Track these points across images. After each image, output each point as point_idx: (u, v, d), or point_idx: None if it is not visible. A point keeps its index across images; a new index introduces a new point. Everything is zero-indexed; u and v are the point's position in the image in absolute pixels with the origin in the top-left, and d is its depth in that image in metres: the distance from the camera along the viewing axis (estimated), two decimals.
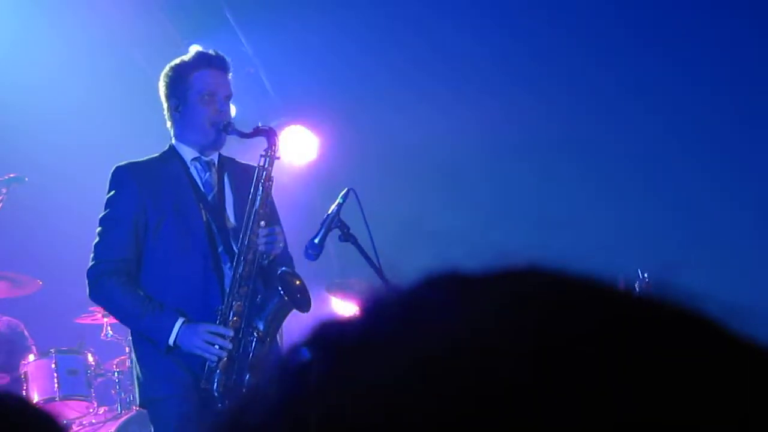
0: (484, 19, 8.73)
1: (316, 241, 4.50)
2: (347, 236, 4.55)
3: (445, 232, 9.57)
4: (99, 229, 4.41)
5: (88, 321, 7.31)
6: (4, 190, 7.23)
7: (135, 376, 4.42)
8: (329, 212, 4.56)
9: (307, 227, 5.16)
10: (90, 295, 4.42)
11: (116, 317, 4.64)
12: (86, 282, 4.38)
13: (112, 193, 4.45)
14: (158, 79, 4.66)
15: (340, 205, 4.58)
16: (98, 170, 5.85)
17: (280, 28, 8.77)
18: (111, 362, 7.67)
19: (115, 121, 8.32)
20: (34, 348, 7.60)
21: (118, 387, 7.52)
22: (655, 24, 8.58)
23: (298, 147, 8.84)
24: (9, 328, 7.72)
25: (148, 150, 4.91)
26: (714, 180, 8.72)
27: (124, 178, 4.46)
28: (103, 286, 4.35)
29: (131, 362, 7.33)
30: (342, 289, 8.49)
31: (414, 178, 9.43)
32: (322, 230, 4.52)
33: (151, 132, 5.08)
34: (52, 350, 7.27)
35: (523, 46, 8.87)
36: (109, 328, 7.27)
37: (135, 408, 7.27)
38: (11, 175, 7.25)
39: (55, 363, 7.22)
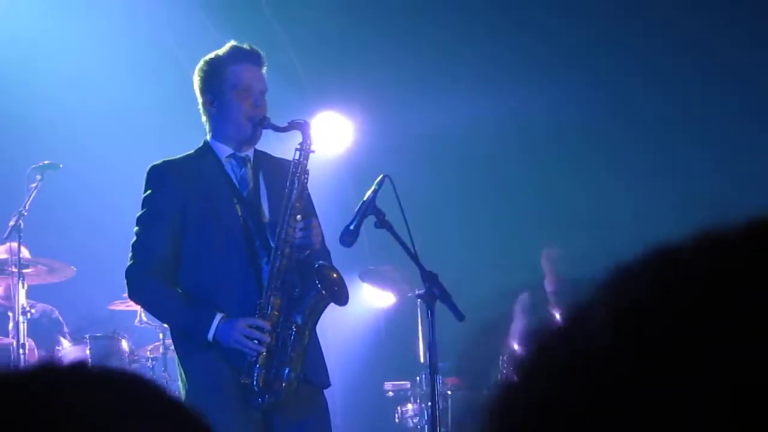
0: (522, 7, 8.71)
1: (352, 227, 4.48)
2: (383, 223, 4.53)
3: (478, 218, 9.55)
4: (136, 228, 4.42)
5: (122, 307, 7.34)
6: (38, 177, 7.25)
7: (178, 374, 4.44)
8: (365, 199, 4.54)
9: (341, 214, 5.16)
10: (129, 294, 4.45)
11: (155, 315, 4.67)
12: (125, 281, 4.40)
13: (148, 192, 4.45)
14: (192, 66, 4.65)
15: (375, 192, 4.56)
16: (133, 158, 5.87)
17: (315, 13, 8.77)
18: (145, 348, 7.70)
19: (151, 110, 8.35)
20: (68, 334, 7.64)
21: (152, 373, 7.55)
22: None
23: (332, 134, 8.83)
24: (44, 314, 7.76)
25: (183, 138, 4.91)
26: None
27: (160, 177, 4.46)
28: (142, 285, 4.37)
29: (164, 349, 7.41)
30: (375, 276, 8.49)
31: (450, 164, 9.41)
32: (358, 217, 4.50)
33: (187, 121, 5.08)
34: (86, 336, 7.31)
35: (561, 33, 8.84)
36: (142, 314, 7.29)
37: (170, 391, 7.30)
38: (46, 162, 7.27)
39: (89, 349, 7.26)
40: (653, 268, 0.76)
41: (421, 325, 8.16)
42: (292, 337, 4.26)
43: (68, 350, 7.30)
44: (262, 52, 4.60)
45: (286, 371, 4.23)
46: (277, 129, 4.45)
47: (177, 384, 4.48)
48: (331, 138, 8.77)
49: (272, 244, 4.31)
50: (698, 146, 9.02)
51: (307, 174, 4.44)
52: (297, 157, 4.43)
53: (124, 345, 7.47)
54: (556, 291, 9.04)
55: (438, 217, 9.00)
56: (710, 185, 8.87)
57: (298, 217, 4.35)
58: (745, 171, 8.76)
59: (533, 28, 8.83)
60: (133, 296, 4.46)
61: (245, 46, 4.59)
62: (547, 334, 0.77)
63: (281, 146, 4.97)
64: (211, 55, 4.59)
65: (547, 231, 9.25)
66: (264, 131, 4.51)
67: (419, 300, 4.56)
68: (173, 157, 4.55)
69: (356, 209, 4.54)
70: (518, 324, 9.11)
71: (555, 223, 9.34)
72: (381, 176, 4.61)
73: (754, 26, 8.46)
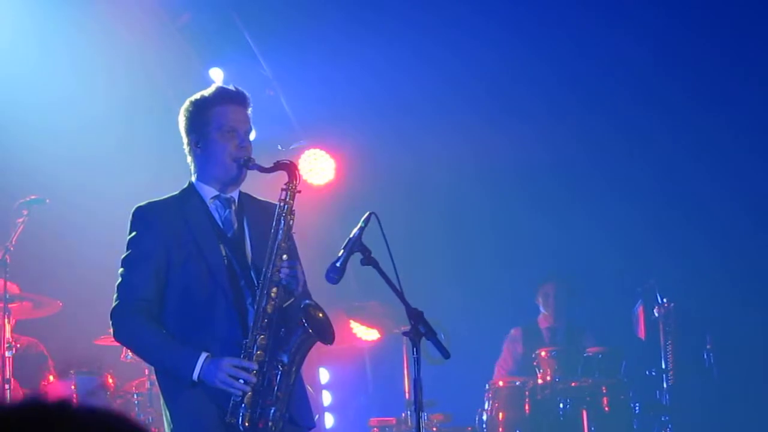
0: (504, 43, 8.75)
1: (338, 264, 4.49)
2: (369, 260, 4.54)
3: (464, 256, 9.58)
4: (121, 269, 4.42)
5: (107, 343, 7.33)
6: (25, 212, 7.26)
7: (163, 415, 4.43)
8: (351, 236, 4.55)
9: (327, 250, 5.17)
10: (114, 335, 4.44)
11: (140, 356, 4.65)
12: (110, 321, 4.40)
13: (133, 234, 4.46)
14: (179, 103, 4.67)
15: (362, 229, 4.57)
16: (120, 194, 5.88)
17: (299, 51, 8.81)
18: (130, 384, 7.69)
19: (137, 143, 8.36)
20: (53, 369, 7.62)
21: (137, 409, 7.54)
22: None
23: (318, 170, 8.86)
24: (29, 348, 7.74)
25: (170, 177, 4.92)
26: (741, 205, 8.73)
27: (145, 218, 4.46)
28: (127, 326, 4.37)
29: (150, 384, 7.39)
30: (362, 312, 8.50)
31: (435, 200, 9.44)
32: (344, 253, 4.51)
33: (172, 153, 5.09)
34: (71, 371, 7.30)
35: (547, 70, 8.89)
36: (128, 350, 7.28)
37: (154, 430, 7.28)
38: (32, 197, 7.28)
39: (74, 384, 7.25)
40: None
41: (407, 362, 8.17)
42: (279, 377, 4.25)
43: (53, 385, 7.29)
44: (247, 93, 4.62)
45: (272, 411, 4.22)
46: (262, 170, 4.46)
47: (162, 421, 4.48)
48: (317, 175, 8.80)
49: (257, 285, 4.32)
50: (662, 177, 9.10)
51: (294, 214, 4.45)
52: (283, 197, 4.44)
53: (110, 380, 7.46)
54: (553, 328, 9.07)
55: (424, 255, 9.02)
56: (671, 213, 8.95)
57: (284, 257, 4.36)
58: (709, 204, 8.83)
59: (524, 64, 8.89)
60: (118, 337, 4.46)
61: (230, 87, 4.61)
62: None
63: (267, 186, 4.99)
64: (197, 96, 4.61)
65: (537, 269, 9.30)
66: (249, 172, 4.53)
67: (405, 337, 4.56)
68: (158, 198, 4.55)
69: (342, 246, 4.56)
70: (506, 359, 9.13)
71: (543, 260, 9.38)
72: (367, 213, 4.63)
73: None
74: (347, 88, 8.98)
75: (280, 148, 8.74)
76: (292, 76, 8.96)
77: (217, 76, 8.46)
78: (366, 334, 9.07)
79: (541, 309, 9.11)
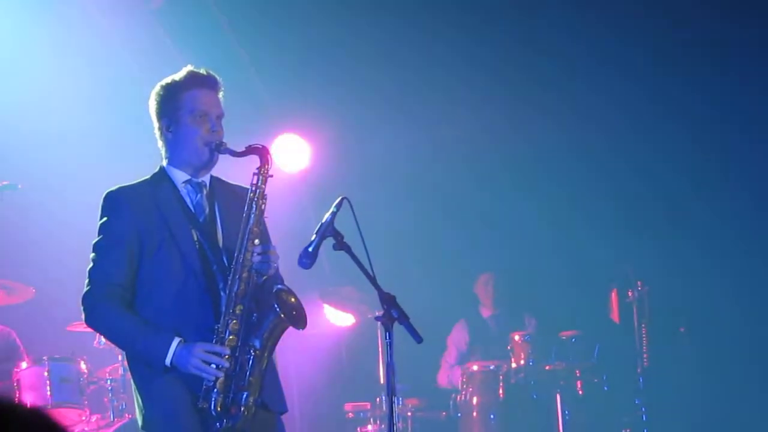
0: (482, 29, 8.76)
1: (310, 249, 4.49)
2: (341, 245, 4.54)
3: (435, 240, 9.59)
4: (92, 255, 4.40)
5: (80, 329, 7.29)
6: None
7: (135, 400, 4.41)
8: (323, 221, 4.55)
9: (300, 235, 5.16)
10: (86, 320, 4.41)
11: (112, 341, 4.63)
12: (81, 307, 4.37)
13: (104, 219, 4.43)
14: (152, 87, 4.64)
15: (333, 214, 4.57)
16: (91, 178, 5.85)
17: (275, 36, 8.78)
18: (104, 370, 7.66)
19: (110, 128, 8.32)
20: (26, 356, 7.59)
21: (110, 395, 7.52)
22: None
23: (292, 156, 8.84)
24: (1, 336, 7.71)
25: (141, 158, 4.90)
26: (715, 188, 8.77)
27: (116, 203, 4.44)
28: (98, 311, 4.34)
29: (123, 370, 7.37)
30: (336, 296, 8.50)
31: (408, 186, 9.44)
32: (316, 239, 4.51)
33: (145, 139, 5.07)
34: (45, 358, 7.27)
35: (522, 59, 8.90)
36: (101, 336, 7.26)
37: (128, 416, 7.26)
38: (4, 183, 7.24)
39: (48, 371, 7.22)
40: None
41: (382, 347, 8.18)
42: (251, 362, 4.24)
43: (26, 371, 7.26)
44: (218, 77, 4.59)
45: (245, 396, 4.21)
46: (234, 154, 4.44)
47: (135, 408, 4.47)
48: (290, 160, 8.78)
49: (229, 269, 4.30)
50: (637, 163, 9.14)
51: (265, 199, 4.43)
52: (255, 182, 4.42)
53: (83, 366, 7.43)
54: (494, 316, 9.13)
55: (397, 239, 9.02)
56: (661, 208, 8.98)
57: (256, 241, 4.35)
58: (700, 194, 8.87)
59: (497, 52, 8.89)
60: (90, 322, 4.43)
61: (202, 71, 4.58)
62: None
63: (238, 171, 4.97)
64: (168, 80, 4.57)
65: (503, 253, 9.33)
66: (221, 156, 4.51)
67: (378, 322, 4.57)
68: (129, 183, 4.53)
69: (315, 231, 4.55)
70: (452, 351, 9.16)
71: (511, 246, 9.41)
72: (340, 198, 4.62)
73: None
74: (320, 74, 8.96)
75: (252, 144, 8.71)
76: (267, 61, 8.93)
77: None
78: (341, 319, 9.07)
79: (480, 299, 9.20)
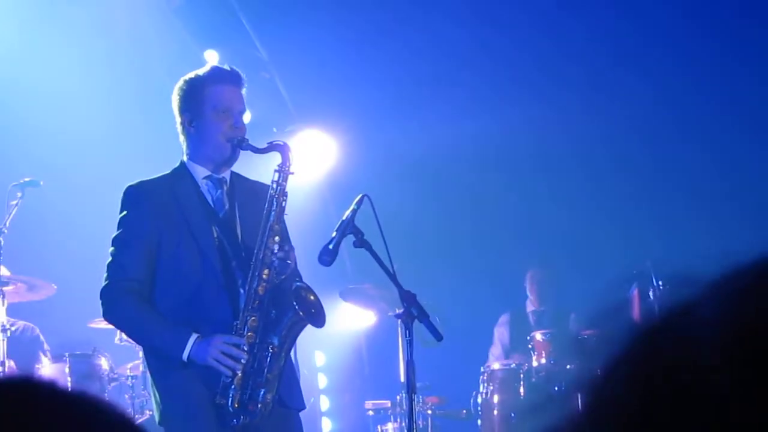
0: (504, 26, 8.73)
1: (331, 246, 4.49)
2: (361, 242, 4.54)
3: (459, 239, 9.57)
4: (112, 249, 4.40)
5: (102, 325, 7.30)
6: (19, 194, 7.23)
7: (152, 396, 4.42)
8: (344, 218, 4.55)
9: (321, 233, 5.15)
10: (104, 314, 4.42)
11: (130, 336, 4.64)
12: (99, 301, 4.38)
13: (124, 213, 4.43)
14: (173, 85, 4.64)
15: (354, 211, 4.57)
16: (113, 174, 5.85)
17: (295, 33, 8.78)
18: (124, 367, 7.67)
19: (131, 125, 8.33)
20: (48, 352, 7.61)
21: (131, 391, 7.53)
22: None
23: (313, 152, 8.83)
24: (25, 332, 7.73)
25: (162, 155, 4.90)
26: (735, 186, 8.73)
27: (136, 198, 4.44)
28: (116, 306, 4.35)
29: (144, 367, 7.37)
30: (356, 294, 8.49)
31: (429, 183, 9.43)
32: (337, 236, 4.51)
33: (166, 136, 5.07)
34: (66, 354, 7.28)
35: (545, 56, 8.88)
36: (122, 333, 7.27)
37: (148, 412, 7.27)
38: (26, 179, 7.25)
39: (68, 367, 7.23)
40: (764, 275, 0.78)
41: (402, 345, 8.16)
42: (269, 359, 4.24)
43: (48, 368, 7.28)
44: (242, 73, 4.59)
45: (262, 393, 4.21)
46: (256, 150, 4.44)
47: (151, 401, 4.47)
48: (312, 156, 8.78)
49: (249, 266, 4.30)
50: (661, 161, 9.10)
51: (286, 196, 4.43)
52: (276, 179, 4.42)
53: (104, 363, 7.44)
54: (538, 312, 9.09)
55: (418, 237, 9.01)
56: (694, 211, 8.93)
57: (276, 238, 4.34)
58: (729, 192, 8.82)
59: (520, 49, 8.87)
60: (108, 316, 4.44)
61: (225, 66, 4.59)
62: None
63: (259, 167, 4.97)
64: (191, 74, 4.57)
65: (528, 251, 9.30)
66: (242, 152, 4.50)
67: (398, 320, 4.56)
68: (149, 178, 4.53)
69: (335, 228, 4.55)
70: (496, 345, 9.14)
71: (536, 243, 9.37)
72: (360, 196, 4.62)
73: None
74: (341, 70, 8.95)
75: (274, 130, 8.71)
76: (287, 58, 8.92)
77: (212, 58, 8.43)
78: (361, 316, 9.06)
79: (528, 294, 9.15)
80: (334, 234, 4.52)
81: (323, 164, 8.98)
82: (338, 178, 8.99)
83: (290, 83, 9.04)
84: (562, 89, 8.90)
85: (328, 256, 4.48)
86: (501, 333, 9.13)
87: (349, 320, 9.03)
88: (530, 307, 9.13)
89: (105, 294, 4.36)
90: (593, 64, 8.84)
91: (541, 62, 8.92)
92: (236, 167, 4.62)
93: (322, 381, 9.63)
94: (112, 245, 4.41)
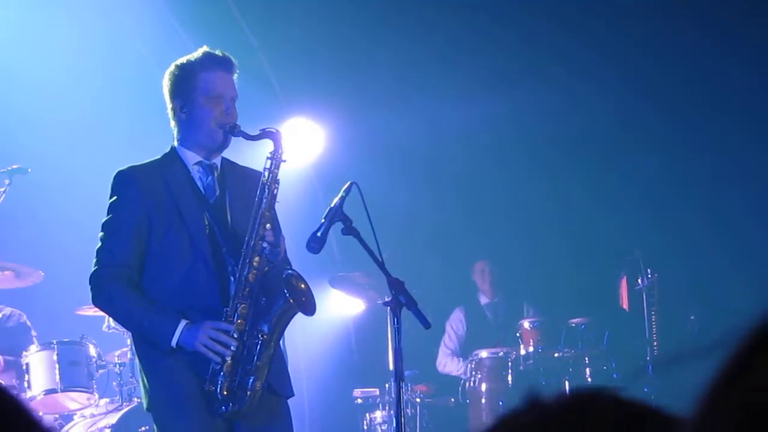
0: (495, 13, 8.73)
1: (319, 234, 4.48)
2: (350, 230, 4.54)
3: (443, 226, 9.57)
4: (101, 234, 4.39)
5: (89, 313, 7.29)
6: (7, 181, 7.22)
7: (140, 382, 4.41)
8: (332, 205, 4.54)
9: (309, 220, 5.15)
10: (93, 300, 4.41)
11: (119, 321, 4.63)
12: (89, 286, 4.37)
13: (114, 198, 4.42)
14: (161, 70, 4.62)
15: (342, 199, 4.56)
16: (101, 162, 5.83)
17: (286, 20, 8.76)
18: (112, 354, 7.66)
19: (119, 113, 8.31)
20: (36, 339, 7.60)
21: (119, 379, 7.52)
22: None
23: (301, 140, 8.82)
24: (11, 318, 7.72)
25: (151, 142, 4.89)
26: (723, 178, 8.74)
27: (126, 183, 4.43)
28: (105, 291, 4.34)
29: (132, 354, 7.37)
30: (345, 282, 8.49)
31: (417, 172, 9.42)
32: (325, 223, 4.50)
33: (154, 123, 5.06)
34: (53, 341, 7.27)
35: (530, 43, 8.87)
36: (110, 320, 7.25)
37: (136, 399, 7.27)
38: (14, 166, 7.24)
39: (56, 354, 7.21)
40: None
41: (391, 333, 8.17)
42: (258, 346, 4.24)
43: (35, 355, 7.26)
44: (234, 59, 4.57)
45: (251, 380, 4.21)
46: (248, 137, 4.42)
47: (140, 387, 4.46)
48: (300, 144, 8.76)
49: (239, 252, 4.29)
50: (650, 150, 9.11)
51: (278, 184, 4.42)
52: (268, 167, 4.41)
53: (92, 350, 7.43)
54: (493, 303, 9.12)
55: (406, 225, 9.01)
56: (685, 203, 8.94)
57: (267, 226, 4.33)
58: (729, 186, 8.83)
59: (509, 35, 8.86)
60: (97, 302, 4.43)
61: (217, 52, 4.56)
62: None
63: (250, 153, 4.95)
64: (183, 60, 4.55)
65: (513, 239, 9.31)
66: (233, 139, 4.49)
67: (387, 307, 4.56)
68: (139, 163, 4.52)
69: (323, 216, 4.54)
70: (453, 339, 9.15)
71: (522, 231, 9.38)
72: (348, 183, 4.61)
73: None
74: (330, 58, 8.94)
75: (266, 127, 8.69)
76: (277, 46, 8.90)
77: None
78: (350, 304, 9.05)
79: (479, 286, 9.17)
80: (322, 221, 4.51)
81: (311, 151, 8.97)
82: (326, 166, 8.98)
83: (279, 70, 9.01)
84: (550, 78, 8.90)
85: (316, 243, 4.47)
86: (456, 327, 9.15)
87: (337, 308, 9.02)
88: (484, 300, 9.15)
89: (94, 279, 4.35)
90: (586, 49, 8.83)
91: (529, 50, 8.91)
92: (226, 153, 4.61)
93: (311, 369, 9.63)
94: (102, 230, 4.40)
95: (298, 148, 8.70)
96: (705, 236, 8.87)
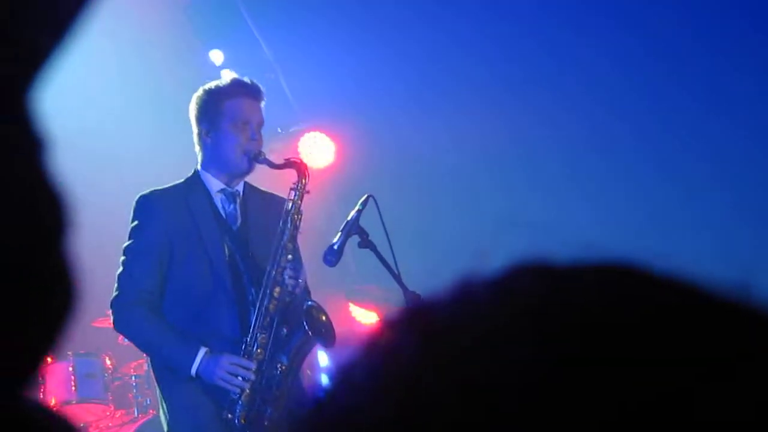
0: (510, 29, 8.73)
1: (335, 247, 4.48)
2: (366, 243, 4.54)
3: (461, 239, 9.56)
4: (123, 258, 4.41)
5: (106, 325, 7.30)
6: None
7: (160, 408, 4.42)
8: (348, 218, 4.55)
9: (326, 233, 5.15)
10: (114, 325, 4.44)
11: (140, 347, 4.65)
12: (110, 312, 4.39)
13: (136, 222, 4.43)
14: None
15: (359, 212, 4.57)
16: (118, 175, 5.85)
17: (300, 32, 8.77)
18: (128, 366, 7.68)
19: (135, 128, 8.32)
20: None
21: (135, 391, 7.53)
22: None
23: (318, 153, 8.83)
24: None
25: (166, 159, 4.90)
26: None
27: (148, 208, 4.44)
28: (126, 317, 4.36)
29: (148, 366, 7.37)
30: (361, 295, 8.49)
31: (433, 185, 9.42)
32: (342, 236, 4.51)
33: (169, 136, 5.07)
34: (69, 353, 7.29)
35: (547, 59, 8.87)
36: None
37: (152, 412, 7.27)
38: None
39: (72, 366, 7.23)
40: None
41: None
42: (277, 377, 4.25)
43: (51, 367, 7.28)
44: (261, 87, 4.61)
45: (269, 410, 4.22)
46: (272, 165, 4.46)
47: (158, 405, 4.47)
48: (316, 157, 8.78)
49: (260, 281, 4.30)
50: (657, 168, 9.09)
51: (301, 214, 4.44)
52: (292, 197, 4.44)
53: (108, 362, 7.45)
54: None
55: (423, 237, 9.00)
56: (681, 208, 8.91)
57: (289, 257, 4.35)
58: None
59: (521, 52, 8.86)
60: (119, 327, 4.45)
61: (246, 79, 4.60)
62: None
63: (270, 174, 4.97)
64: (211, 85, 4.59)
65: (531, 251, 9.27)
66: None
67: None
68: (162, 187, 4.53)
69: (340, 229, 4.55)
70: None
71: (540, 242, 9.36)
72: (365, 196, 4.62)
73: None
74: (347, 71, 8.95)
75: (279, 131, 8.72)
76: (292, 59, 8.92)
77: (217, 58, 8.42)
78: (365, 317, 9.05)
79: None
80: (338, 234, 4.51)
81: (328, 165, 8.98)
82: (343, 179, 8.98)
83: (295, 83, 9.03)
84: (560, 95, 8.89)
85: (332, 256, 4.48)
86: None
87: (353, 321, 9.02)
88: None
89: (116, 305, 4.37)
90: (585, 64, 8.83)
91: (534, 65, 8.91)
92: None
93: (326, 382, 9.61)
94: (123, 254, 4.41)
95: (314, 161, 8.72)
96: (708, 254, 8.84)
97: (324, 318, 4.38)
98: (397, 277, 4.51)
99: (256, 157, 4.44)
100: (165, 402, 4.35)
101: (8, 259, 0.71)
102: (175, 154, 4.81)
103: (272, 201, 4.55)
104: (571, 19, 8.63)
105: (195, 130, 4.56)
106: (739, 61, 8.26)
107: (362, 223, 4.56)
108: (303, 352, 4.33)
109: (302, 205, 4.46)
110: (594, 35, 8.66)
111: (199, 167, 4.56)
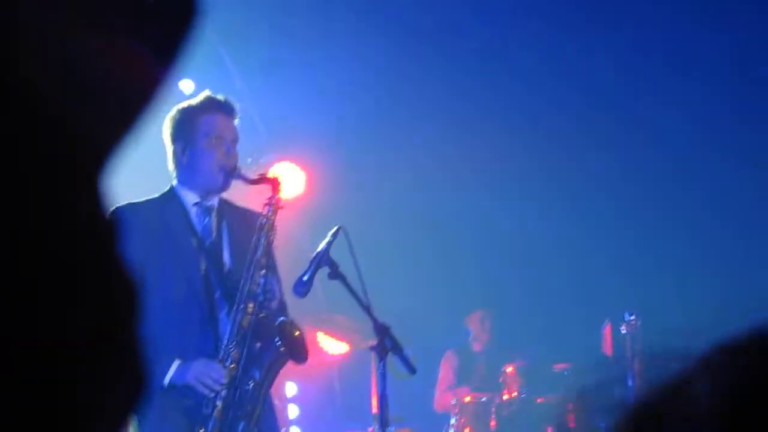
0: (474, 55, 8.78)
1: (305, 278, 4.50)
2: (336, 274, 4.55)
3: (434, 270, 9.57)
4: None
5: None
6: None
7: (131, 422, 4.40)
8: (319, 250, 4.56)
9: (296, 264, 5.16)
10: None
11: None
12: None
13: None
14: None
15: (329, 243, 4.59)
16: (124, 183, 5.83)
17: (272, 63, 8.79)
18: None
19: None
20: None
21: None
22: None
23: (288, 182, 8.82)
24: None
25: (138, 177, 4.89)
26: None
27: (124, 221, 4.42)
28: None
29: None
30: (328, 324, 8.47)
31: (405, 216, 9.44)
32: (312, 268, 4.52)
33: (141, 160, 5.06)
34: None
35: (524, 81, 8.92)
36: None
37: None
38: None
39: None
40: (758, 347, 0.77)
41: (375, 376, 8.15)
42: (250, 392, 4.25)
43: None
44: (234, 104, 4.63)
45: (241, 426, 4.21)
46: (247, 181, 4.47)
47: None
48: (286, 187, 8.76)
49: (234, 296, 4.30)
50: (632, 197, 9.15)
51: (275, 230, 4.45)
52: (266, 213, 4.45)
53: None
54: (484, 351, 9.11)
55: (392, 269, 9.01)
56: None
57: (263, 272, 4.35)
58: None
59: (503, 81, 8.92)
60: None
61: (219, 96, 4.62)
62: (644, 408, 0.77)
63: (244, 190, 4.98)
64: (184, 103, 4.61)
65: (500, 285, 9.31)
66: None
67: (372, 351, 4.57)
68: (138, 200, 4.53)
69: (310, 260, 4.56)
70: (447, 377, 9.14)
71: (507, 276, 9.39)
72: (335, 227, 4.64)
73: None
74: (318, 102, 8.98)
75: (249, 161, 8.71)
76: (263, 88, 8.93)
77: (187, 88, 8.41)
78: (334, 347, 9.03)
79: (473, 333, 9.15)
80: (309, 266, 4.53)
81: (298, 195, 8.97)
82: (313, 210, 8.98)
83: (265, 114, 9.04)
84: (541, 120, 8.95)
85: (302, 287, 4.49)
86: (453, 365, 9.14)
87: (321, 351, 9.00)
88: (477, 347, 9.14)
89: None
90: (575, 98, 8.89)
91: (521, 85, 8.96)
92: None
93: (294, 412, 9.58)
94: None
95: (284, 191, 8.71)
96: (688, 283, 8.89)
97: (297, 333, 4.38)
98: (367, 309, 4.52)
99: (231, 173, 4.46)
100: (136, 418, 4.32)
101: (86, 351, 0.71)
102: (142, 180, 4.79)
103: (248, 216, 4.56)
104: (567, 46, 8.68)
105: (170, 149, 4.56)
106: None
107: (333, 254, 4.57)
108: (276, 368, 4.33)
109: (276, 220, 4.46)
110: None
111: (174, 182, 4.57)
